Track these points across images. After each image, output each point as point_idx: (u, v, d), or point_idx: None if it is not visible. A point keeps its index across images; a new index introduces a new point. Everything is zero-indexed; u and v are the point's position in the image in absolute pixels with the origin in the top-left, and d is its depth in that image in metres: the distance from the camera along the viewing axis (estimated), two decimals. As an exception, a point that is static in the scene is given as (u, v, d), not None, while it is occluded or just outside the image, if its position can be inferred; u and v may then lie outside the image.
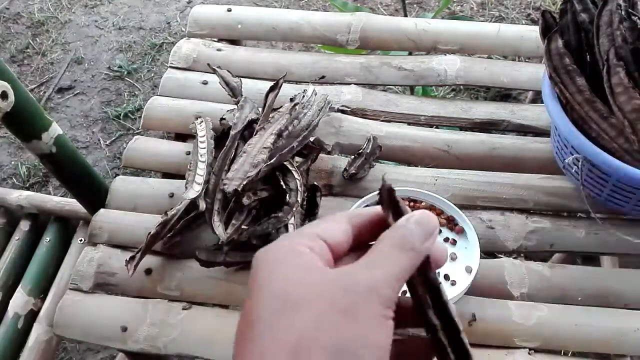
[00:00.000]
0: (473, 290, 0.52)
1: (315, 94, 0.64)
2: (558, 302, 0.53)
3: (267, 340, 0.22)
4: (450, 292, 0.51)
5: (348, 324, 0.22)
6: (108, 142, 1.52)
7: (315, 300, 0.22)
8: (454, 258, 0.54)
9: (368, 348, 0.21)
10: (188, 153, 0.65)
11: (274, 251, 0.25)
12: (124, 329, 0.54)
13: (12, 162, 1.50)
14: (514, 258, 0.57)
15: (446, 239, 0.55)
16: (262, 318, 0.22)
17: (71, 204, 0.95)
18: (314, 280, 0.23)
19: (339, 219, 0.26)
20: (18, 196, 0.97)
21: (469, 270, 0.53)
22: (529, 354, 0.50)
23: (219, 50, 0.77)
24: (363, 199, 0.57)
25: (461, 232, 0.56)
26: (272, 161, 0.55)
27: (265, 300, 0.23)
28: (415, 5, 1.76)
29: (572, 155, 0.55)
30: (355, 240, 0.26)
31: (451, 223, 0.56)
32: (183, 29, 1.25)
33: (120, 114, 1.56)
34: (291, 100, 0.62)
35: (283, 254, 0.24)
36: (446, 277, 0.52)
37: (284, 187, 0.55)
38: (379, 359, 0.22)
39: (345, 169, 0.62)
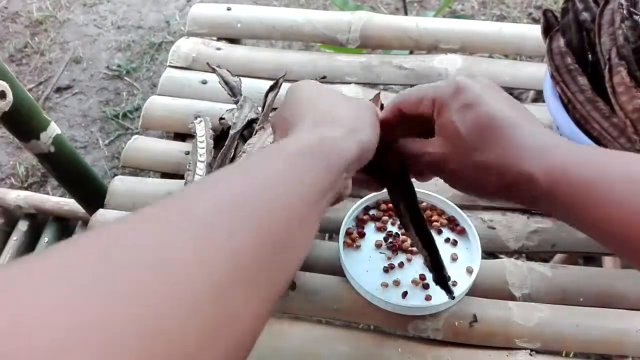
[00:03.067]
0: (474, 291, 0.52)
1: (315, 94, 0.63)
2: (559, 302, 0.53)
3: (314, 115, 0.37)
4: None
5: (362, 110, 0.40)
6: (107, 141, 1.52)
7: (339, 100, 0.40)
8: (455, 259, 0.53)
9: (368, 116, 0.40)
10: (187, 153, 0.65)
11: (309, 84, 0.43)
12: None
13: (11, 162, 1.49)
14: (515, 258, 0.56)
15: (447, 240, 0.55)
16: (309, 107, 0.39)
17: (70, 204, 0.95)
18: (337, 94, 0.42)
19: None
20: (16, 196, 0.97)
21: (470, 270, 0.52)
22: (530, 354, 0.50)
23: (218, 49, 0.77)
24: (363, 199, 0.57)
25: (462, 232, 0.55)
26: (271, 161, 0.54)
27: (309, 101, 0.39)
28: (416, 4, 1.76)
29: (574, 155, 0.55)
30: None
31: (452, 223, 0.56)
32: (182, 28, 1.25)
33: (119, 114, 1.56)
34: (291, 99, 0.61)
35: (317, 85, 0.42)
36: (447, 277, 0.52)
37: (284, 187, 0.55)
38: (374, 123, 0.39)
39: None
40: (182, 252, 0.21)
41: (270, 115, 0.61)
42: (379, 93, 0.54)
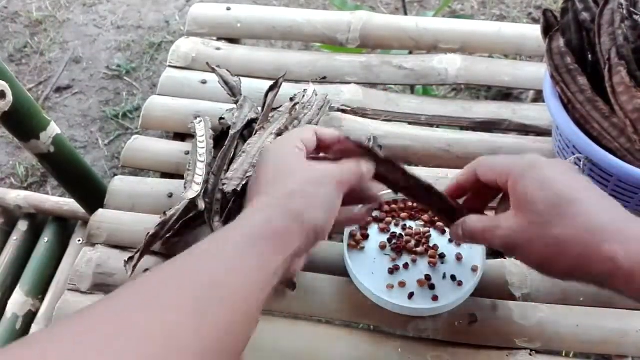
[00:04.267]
0: (474, 291, 0.52)
1: (316, 95, 0.63)
2: (559, 302, 0.53)
3: (272, 190, 0.38)
4: (457, 293, 0.51)
5: (317, 187, 0.39)
6: (106, 141, 1.52)
7: (301, 174, 0.39)
8: (459, 258, 0.53)
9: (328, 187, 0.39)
10: (187, 153, 0.65)
11: (279, 145, 0.43)
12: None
13: (10, 162, 1.49)
14: (515, 258, 0.56)
15: (451, 240, 0.55)
16: (268, 179, 0.39)
17: (69, 204, 0.95)
18: (301, 165, 0.40)
19: (309, 130, 0.43)
20: (16, 196, 0.97)
21: (475, 269, 0.52)
22: (530, 354, 0.50)
23: (218, 49, 0.77)
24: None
25: (463, 232, 0.55)
26: (271, 161, 0.54)
27: (272, 171, 0.40)
28: (415, 4, 1.76)
29: (574, 155, 0.55)
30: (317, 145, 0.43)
31: (453, 223, 0.56)
32: (182, 28, 1.25)
33: (118, 114, 1.56)
34: (291, 99, 0.61)
35: (283, 147, 0.42)
36: (453, 277, 0.52)
37: (284, 187, 0.55)
38: (334, 192, 0.39)
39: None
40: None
41: (270, 115, 0.61)
42: (370, 141, 0.55)
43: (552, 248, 0.37)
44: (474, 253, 0.54)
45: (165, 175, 0.66)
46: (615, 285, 0.35)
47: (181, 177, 0.60)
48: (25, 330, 0.85)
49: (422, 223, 0.56)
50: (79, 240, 0.93)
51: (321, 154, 0.45)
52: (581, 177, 0.40)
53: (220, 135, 0.61)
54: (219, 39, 0.80)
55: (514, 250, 0.40)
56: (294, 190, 0.37)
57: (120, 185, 0.64)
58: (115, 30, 1.78)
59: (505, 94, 1.44)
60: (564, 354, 0.51)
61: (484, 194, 0.46)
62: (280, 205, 0.36)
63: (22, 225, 0.96)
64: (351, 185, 0.40)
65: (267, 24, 0.78)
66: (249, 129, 0.61)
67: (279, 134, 0.57)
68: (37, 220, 0.98)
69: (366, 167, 0.42)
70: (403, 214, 0.56)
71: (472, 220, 0.43)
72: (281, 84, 0.63)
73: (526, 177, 0.39)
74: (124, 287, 0.30)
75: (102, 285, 0.57)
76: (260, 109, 0.63)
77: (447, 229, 0.55)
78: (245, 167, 0.54)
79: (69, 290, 0.57)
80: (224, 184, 0.53)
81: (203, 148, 0.59)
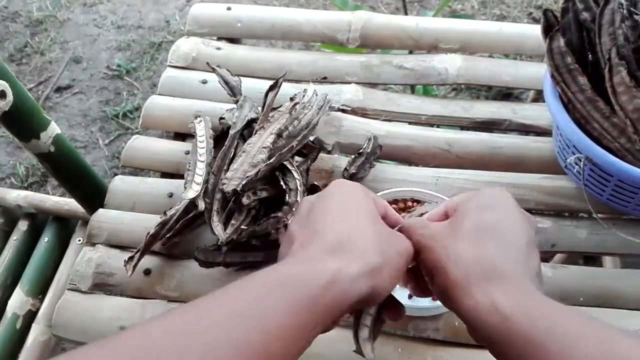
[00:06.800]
0: (474, 291, 0.52)
1: (316, 94, 0.63)
2: (560, 302, 0.53)
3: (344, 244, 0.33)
4: None
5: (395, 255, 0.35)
6: (107, 141, 1.52)
7: (368, 224, 0.36)
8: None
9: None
10: (187, 152, 0.65)
11: (352, 185, 0.39)
12: (123, 330, 0.53)
13: (11, 162, 1.49)
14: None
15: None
16: (325, 219, 0.35)
17: (70, 203, 0.95)
18: (366, 216, 0.36)
19: (383, 201, 0.41)
20: (16, 196, 0.97)
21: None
22: (531, 354, 0.50)
23: (218, 49, 0.77)
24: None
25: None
26: (271, 161, 0.54)
27: (334, 209, 0.36)
28: (415, 4, 1.76)
29: (574, 154, 0.55)
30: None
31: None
32: (182, 28, 1.25)
33: (119, 113, 1.56)
34: (291, 99, 0.61)
35: (357, 189, 0.39)
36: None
37: (284, 186, 0.55)
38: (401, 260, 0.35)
39: (345, 169, 0.62)
40: None
41: (270, 115, 0.61)
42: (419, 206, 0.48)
43: (445, 257, 0.35)
44: None
45: (166, 175, 0.66)
46: (467, 320, 0.33)
47: (181, 177, 0.60)
48: (25, 329, 0.85)
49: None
50: (79, 240, 0.93)
51: None
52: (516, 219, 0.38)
53: (220, 135, 0.61)
54: (219, 38, 0.80)
55: (422, 250, 0.37)
56: (361, 240, 0.33)
57: (120, 185, 0.64)
58: (115, 30, 1.78)
59: (506, 94, 1.44)
60: (564, 354, 0.51)
61: None
62: (347, 251, 0.32)
63: (22, 225, 0.96)
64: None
65: (267, 24, 0.78)
66: (249, 129, 0.60)
67: (279, 134, 0.57)
68: (37, 220, 0.98)
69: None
70: (403, 214, 0.56)
71: (410, 218, 0.42)
72: (281, 83, 0.63)
73: (475, 196, 0.39)
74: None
75: (102, 285, 0.57)
76: (260, 108, 0.63)
77: None
78: (245, 167, 0.54)
79: (69, 289, 0.57)
80: (224, 184, 0.53)
81: (203, 148, 0.58)
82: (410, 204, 0.57)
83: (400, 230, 0.40)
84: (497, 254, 0.34)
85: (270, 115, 0.61)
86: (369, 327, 0.36)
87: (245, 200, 0.52)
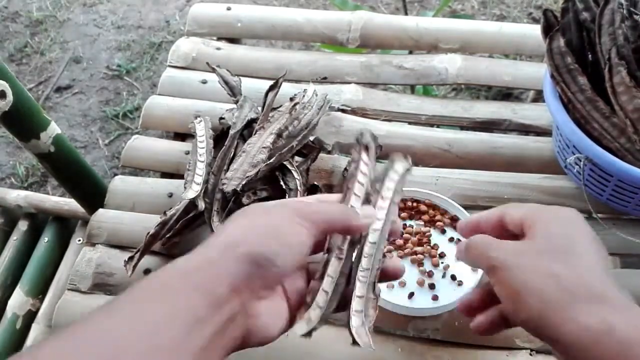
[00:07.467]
0: (474, 291, 0.52)
1: (316, 95, 0.63)
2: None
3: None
4: (458, 293, 0.50)
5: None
6: (107, 141, 1.52)
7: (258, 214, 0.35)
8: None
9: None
10: (187, 152, 0.65)
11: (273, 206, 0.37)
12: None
13: (11, 162, 1.49)
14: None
15: (451, 239, 0.55)
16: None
17: (70, 203, 0.95)
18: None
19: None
20: (16, 196, 0.97)
21: (475, 269, 0.52)
22: (530, 354, 0.50)
23: (218, 49, 0.77)
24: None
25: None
26: (271, 161, 0.54)
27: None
28: (415, 4, 1.76)
29: (574, 154, 0.55)
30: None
31: (455, 222, 0.56)
32: (182, 28, 1.25)
33: (119, 114, 1.56)
34: (291, 99, 0.61)
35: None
36: (453, 277, 0.52)
37: (284, 186, 0.55)
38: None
39: (345, 169, 0.62)
40: None
41: (270, 115, 0.61)
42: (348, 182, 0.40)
43: (537, 277, 0.34)
44: None
45: (165, 175, 0.66)
46: (556, 348, 0.33)
47: (181, 177, 0.60)
48: (25, 329, 0.85)
49: (422, 223, 0.56)
50: (79, 240, 0.93)
51: None
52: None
53: (220, 135, 0.61)
54: (219, 38, 0.80)
55: (495, 271, 0.36)
56: (234, 225, 0.34)
57: (120, 185, 0.64)
58: (115, 30, 1.78)
59: (505, 94, 1.44)
60: (564, 354, 0.51)
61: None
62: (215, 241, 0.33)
63: (22, 225, 0.96)
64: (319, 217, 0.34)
65: (267, 24, 0.78)
66: (249, 129, 0.60)
67: (279, 134, 0.57)
68: (37, 220, 0.98)
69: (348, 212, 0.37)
70: (403, 214, 0.56)
71: (476, 236, 0.40)
72: (281, 83, 0.63)
73: (551, 213, 0.38)
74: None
75: (102, 285, 0.57)
76: (260, 108, 0.63)
77: (446, 229, 0.55)
78: (245, 167, 0.54)
79: (69, 289, 0.57)
80: (224, 184, 0.53)
81: (203, 148, 0.58)
82: (410, 204, 0.57)
83: (467, 249, 0.39)
84: (596, 275, 0.34)
85: (270, 115, 0.61)
86: (360, 311, 0.35)
87: (245, 200, 0.52)
